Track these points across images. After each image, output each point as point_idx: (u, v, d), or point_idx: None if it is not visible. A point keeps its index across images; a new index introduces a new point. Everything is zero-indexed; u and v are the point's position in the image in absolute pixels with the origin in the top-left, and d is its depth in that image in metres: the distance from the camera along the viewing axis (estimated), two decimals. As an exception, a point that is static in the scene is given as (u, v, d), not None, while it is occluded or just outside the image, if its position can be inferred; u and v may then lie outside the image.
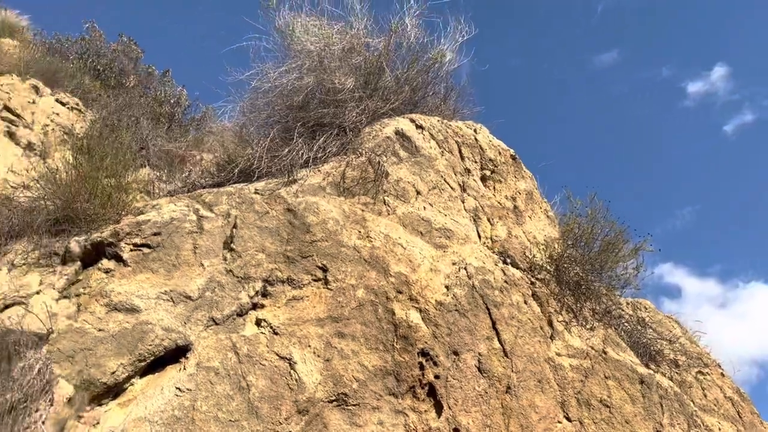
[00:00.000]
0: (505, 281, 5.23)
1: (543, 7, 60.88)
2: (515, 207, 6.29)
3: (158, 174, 7.84)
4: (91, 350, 3.54)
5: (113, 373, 3.50)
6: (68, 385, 3.36)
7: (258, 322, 4.12)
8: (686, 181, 65.09)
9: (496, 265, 5.34)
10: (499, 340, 4.78)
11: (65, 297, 3.88)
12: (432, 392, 4.25)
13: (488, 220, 5.87)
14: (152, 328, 3.72)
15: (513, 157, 6.81)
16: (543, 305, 5.41)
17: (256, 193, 4.84)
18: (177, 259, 4.17)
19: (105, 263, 4.07)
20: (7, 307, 3.69)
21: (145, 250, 4.14)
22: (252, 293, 4.22)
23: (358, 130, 5.74)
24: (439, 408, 4.21)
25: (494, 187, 6.33)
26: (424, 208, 5.37)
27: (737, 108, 63.52)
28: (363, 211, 5.01)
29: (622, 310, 6.56)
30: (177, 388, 3.52)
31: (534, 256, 5.86)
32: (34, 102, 8.76)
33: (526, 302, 5.25)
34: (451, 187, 5.79)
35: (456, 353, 4.48)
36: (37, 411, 3.08)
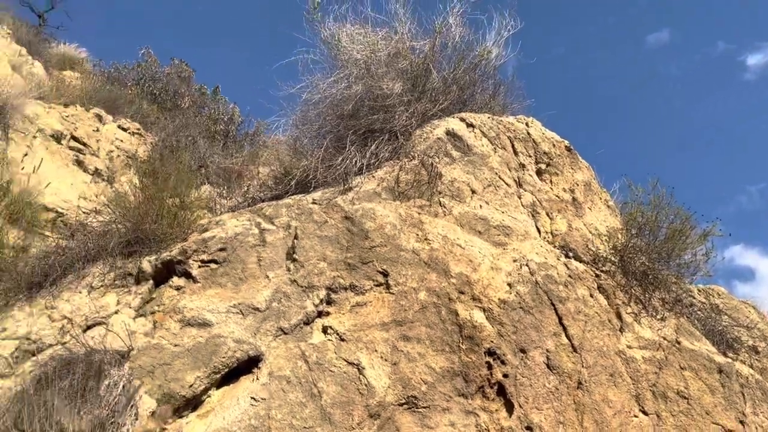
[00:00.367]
0: (569, 275, 5.14)
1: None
2: (574, 199, 6.16)
3: (218, 190, 8.10)
4: (169, 365, 3.69)
5: (191, 385, 3.64)
6: (150, 399, 3.52)
7: (324, 330, 4.19)
8: (754, 158, 62.08)
9: (558, 259, 5.25)
10: (567, 336, 4.70)
11: (141, 315, 4.06)
12: (501, 391, 4.22)
13: (547, 214, 5.78)
14: (224, 341, 3.85)
15: (568, 149, 6.67)
16: (610, 298, 5.29)
17: (313, 203, 4.93)
18: (243, 273, 4.30)
19: (176, 281, 4.24)
20: (89, 327, 3.90)
21: (213, 265, 4.29)
22: (317, 301, 4.30)
23: (408, 134, 5.76)
24: (509, 407, 4.18)
25: (551, 181, 6.22)
26: (480, 206, 5.34)
27: (803, 77, 60.19)
28: (419, 213, 5.03)
29: (694, 298, 6.33)
30: (252, 397, 3.63)
31: (597, 248, 5.73)
32: (97, 130, 9.20)
33: (592, 296, 5.15)
34: (507, 184, 5.73)
35: (523, 351, 4.44)
36: (124, 425, 3.25)
